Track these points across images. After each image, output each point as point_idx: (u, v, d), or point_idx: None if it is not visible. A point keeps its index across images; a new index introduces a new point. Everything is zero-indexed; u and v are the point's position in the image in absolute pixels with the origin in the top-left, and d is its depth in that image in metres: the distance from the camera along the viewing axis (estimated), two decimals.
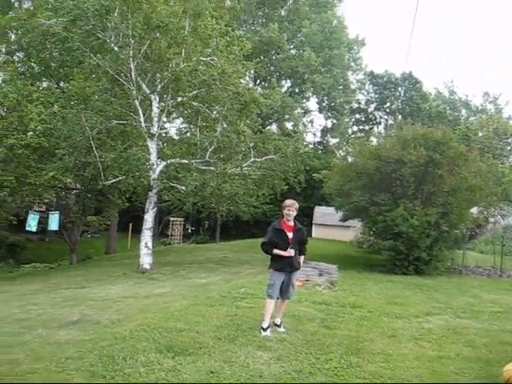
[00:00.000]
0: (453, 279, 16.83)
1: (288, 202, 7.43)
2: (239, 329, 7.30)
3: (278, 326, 7.52)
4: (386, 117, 49.45)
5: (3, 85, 21.63)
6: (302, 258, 7.54)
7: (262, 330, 7.19)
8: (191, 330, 7.11)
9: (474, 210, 21.07)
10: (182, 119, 22.03)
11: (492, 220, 30.79)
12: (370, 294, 11.86)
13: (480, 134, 50.85)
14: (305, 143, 38.65)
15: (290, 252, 7.15)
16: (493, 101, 61.42)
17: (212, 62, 17.89)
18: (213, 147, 17.96)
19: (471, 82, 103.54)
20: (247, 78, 31.54)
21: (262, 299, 9.81)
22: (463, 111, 62.46)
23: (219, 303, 9.38)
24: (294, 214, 7.34)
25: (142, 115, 17.38)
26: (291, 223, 7.37)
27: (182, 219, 37.67)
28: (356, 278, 15.14)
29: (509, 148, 54.10)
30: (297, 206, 7.41)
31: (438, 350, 6.80)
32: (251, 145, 19.56)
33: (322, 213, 35.98)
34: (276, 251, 7.20)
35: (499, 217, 33.69)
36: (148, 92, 17.61)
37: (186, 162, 18.23)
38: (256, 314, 8.27)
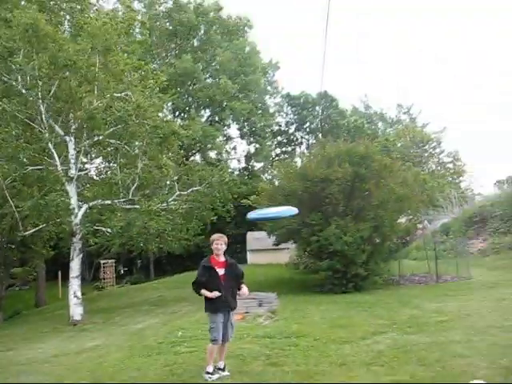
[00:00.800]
0: (392, 291, 16.78)
1: (215, 236, 6.99)
2: (180, 380, 6.72)
3: (222, 369, 7.01)
4: (306, 136, 50.00)
5: None
6: (245, 289, 7.10)
7: (207, 376, 6.67)
8: None
9: (403, 218, 21.25)
10: (101, 158, 21.22)
11: (420, 226, 31.30)
12: (312, 319, 11.51)
13: (398, 145, 52.34)
14: (230, 171, 38.40)
15: (215, 294, 6.69)
16: (406, 111, 63.51)
17: (126, 97, 17.34)
18: (135, 184, 17.33)
19: (385, 96, 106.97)
20: (165, 110, 31.10)
21: (201, 341, 9.32)
22: (380, 124, 64.23)
23: (156, 352, 8.74)
24: (224, 247, 6.92)
25: (57, 158, 16.57)
26: (222, 258, 6.94)
27: (113, 261, 36.38)
28: (297, 303, 14.77)
29: (426, 154, 55.95)
30: (225, 239, 6.99)
31: (392, 374, 6.47)
32: (175, 178, 19.08)
33: (254, 238, 35.55)
34: (203, 292, 6.75)
35: (426, 222, 34.45)
36: (62, 134, 16.86)
37: (109, 202, 17.43)
38: (197, 359, 7.76)
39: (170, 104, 35.24)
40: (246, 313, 12.50)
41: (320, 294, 16.83)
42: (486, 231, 28.50)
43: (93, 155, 19.64)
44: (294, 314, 12.37)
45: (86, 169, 19.51)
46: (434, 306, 12.54)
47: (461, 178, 55.31)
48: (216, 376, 6.69)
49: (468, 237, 28.19)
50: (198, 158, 42.59)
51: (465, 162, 55.13)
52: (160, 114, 21.16)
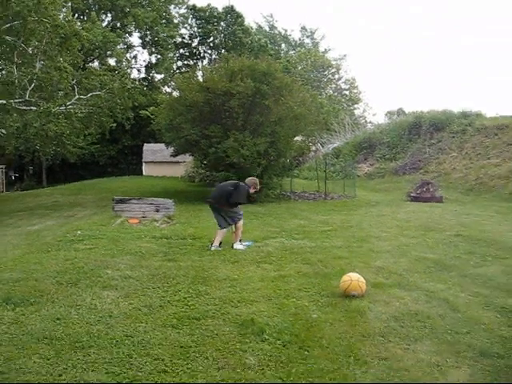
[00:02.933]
0: (283, 205, 17.67)
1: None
2: (81, 271, 7.04)
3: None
4: (209, 51, 49.30)
5: None
6: None
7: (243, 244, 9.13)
8: (29, 278, 6.68)
9: (298, 138, 22.00)
10: None
11: (313, 148, 32.51)
12: (207, 224, 11.95)
13: (299, 67, 53.07)
14: (131, 78, 37.54)
15: None
16: (310, 35, 64.05)
17: None
18: (33, 85, 16.79)
19: (289, 17, 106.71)
20: (65, 10, 29.58)
21: (100, 240, 9.67)
22: (283, 45, 64.46)
23: (56, 248, 8.94)
24: None
25: None
26: None
27: (3, 166, 35.11)
28: (192, 210, 15.23)
29: (325, 80, 57.22)
30: None
31: (280, 270, 7.21)
32: (74, 82, 18.60)
33: (151, 150, 35.51)
34: None
35: (319, 145, 35.80)
36: None
37: (4, 102, 16.80)
38: (97, 255, 8.11)
39: (69, 4, 33.40)
40: (143, 217, 12.89)
41: None
42: (373, 157, 30.22)
43: None
44: (189, 220, 12.90)
45: None
46: (320, 218, 13.51)
47: (355, 105, 57.30)
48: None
49: (356, 161, 29.77)
50: (96, 64, 41.12)
51: (361, 90, 57.04)
52: (62, 14, 20.24)
